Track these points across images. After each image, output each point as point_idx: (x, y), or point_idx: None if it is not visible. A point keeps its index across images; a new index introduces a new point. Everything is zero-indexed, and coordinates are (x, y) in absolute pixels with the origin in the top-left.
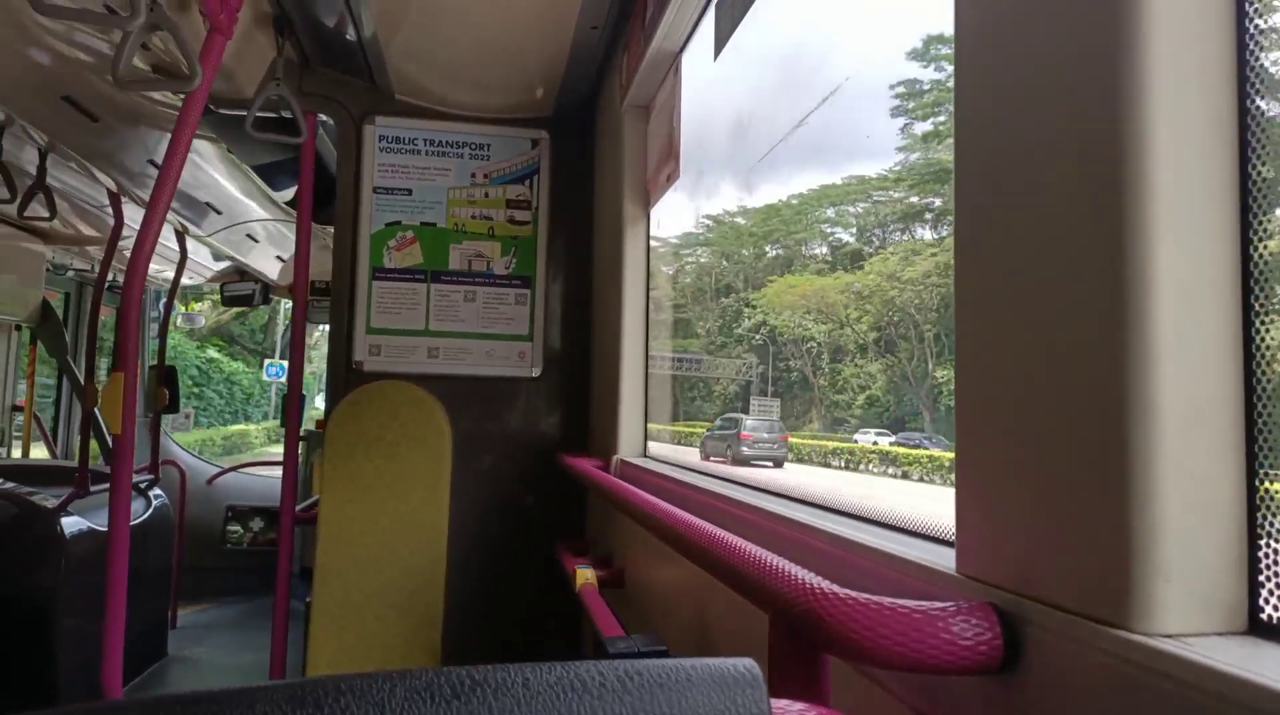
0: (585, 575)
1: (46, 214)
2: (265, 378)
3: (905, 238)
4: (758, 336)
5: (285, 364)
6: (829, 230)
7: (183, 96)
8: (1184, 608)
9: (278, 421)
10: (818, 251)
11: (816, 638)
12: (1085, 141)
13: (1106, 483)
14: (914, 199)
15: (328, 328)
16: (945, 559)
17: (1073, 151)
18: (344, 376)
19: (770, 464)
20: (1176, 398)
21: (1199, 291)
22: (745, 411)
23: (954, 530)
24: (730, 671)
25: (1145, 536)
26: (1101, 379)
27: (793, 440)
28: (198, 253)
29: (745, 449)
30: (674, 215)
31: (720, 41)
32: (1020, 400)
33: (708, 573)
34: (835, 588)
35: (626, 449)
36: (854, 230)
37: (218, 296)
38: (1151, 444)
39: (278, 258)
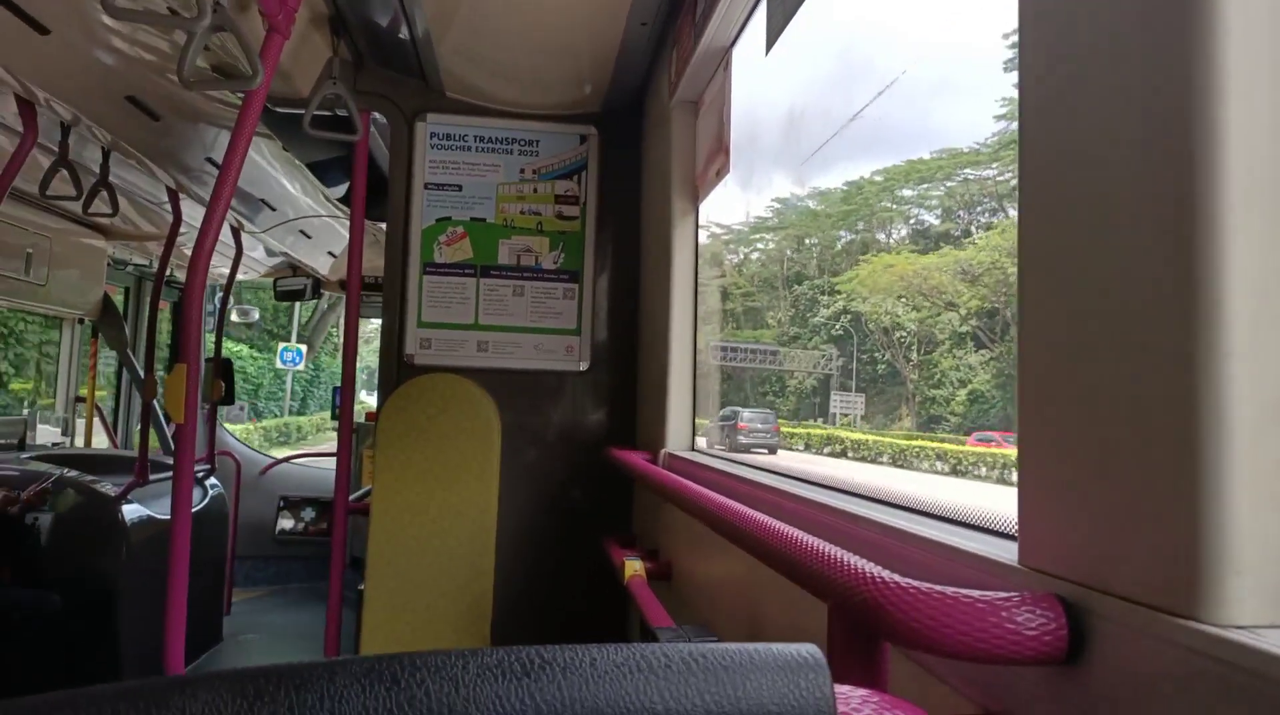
0: (634, 567)
1: (109, 211)
2: (280, 365)
3: (1001, 218)
4: (838, 325)
5: (303, 348)
6: (913, 211)
7: (241, 96)
8: (1256, 600)
9: (291, 417)
10: (899, 233)
11: (877, 627)
12: (1156, 124)
13: (1178, 475)
14: (1009, 176)
15: (377, 322)
16: (1004, 552)
17: (1143, 134)
18: (395, 369)
19: (765, 451)
20: (1251, 391)
21: (1272, 285)
22: (824, 408)
23: (1011, 523)
24: (794, 656)
25: (1217, 528)
26: (1173, 371)
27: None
28: (253, 249)
29: (742, 438)
30: (738, 200)
31: (772, 36)
32: (1087, 391)
33: (762, 563)
34: (897, 577)
35: (674, 442)
36: (939, 210)
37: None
38: (1225, 437)
39: (329, 253)
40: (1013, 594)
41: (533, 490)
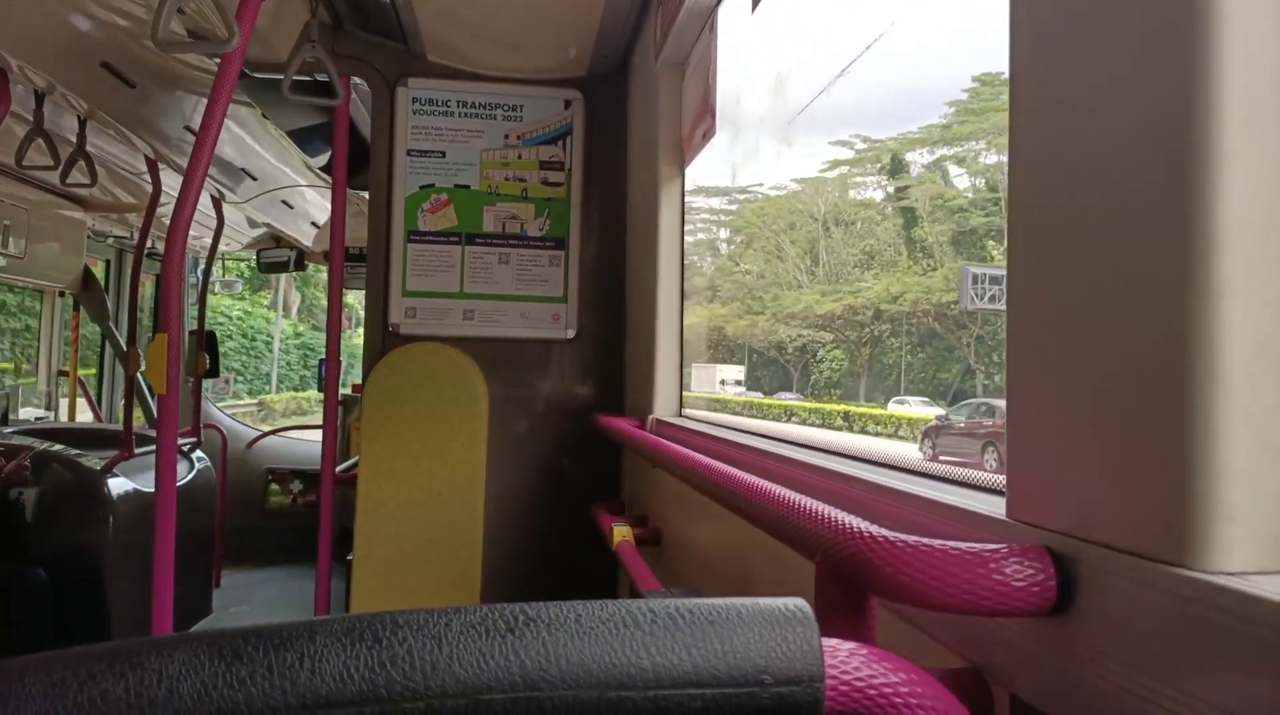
0: (622, 532)
1: (87, 181)
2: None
3: None
4: None
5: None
6: None
7: (218, 60)
8: (1248, 546)
9: (278, 392)
10: None
11: (865, 581)
12: (1147, 50)
13: (1168, 422)
14: None
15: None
16: (992, 507)
17: (1133, 64)
18: (381, 339)
19: None
20: (1244, 333)
21: (1269, 224)
22: None
23: (999, 480)
24: (781, 610)
25: (1208, 475)
26: (1163, 314)
27: None
28: (235, 220)
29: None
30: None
31: None
32: (1075, 341)
33: (750, 523)
34: (884, 531)
35: (663, 408)
36: None
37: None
38: (1217, 380)
39: (312, 224)
40: (1000, 546)
41: (521, 458)
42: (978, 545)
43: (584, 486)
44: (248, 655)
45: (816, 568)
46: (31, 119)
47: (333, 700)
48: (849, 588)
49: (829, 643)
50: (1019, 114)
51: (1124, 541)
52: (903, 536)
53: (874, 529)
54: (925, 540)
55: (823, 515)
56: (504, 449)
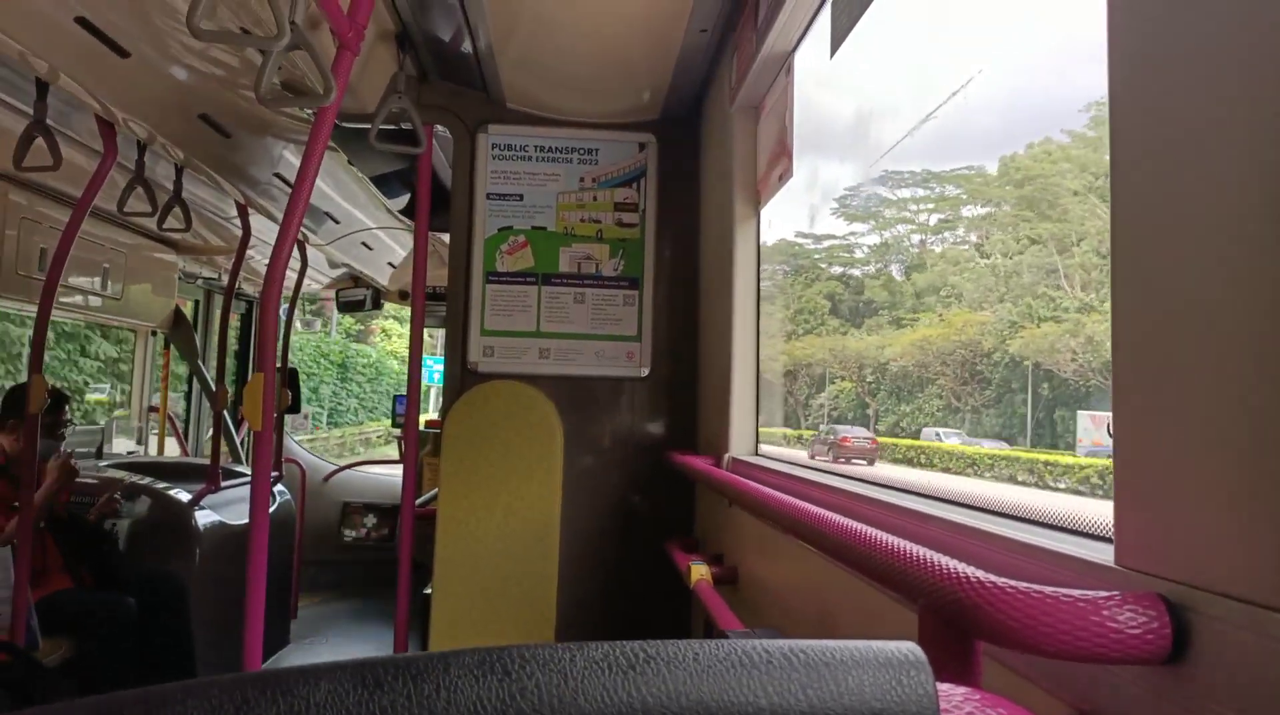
0: (700, 571)
1: (181, 226)
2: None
3: None
4: None
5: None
6: None
7: (312, 112)
8: None
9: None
10: None
11: (973, 626)
12: (1259, 140)
13: None
14: None
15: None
16: (1098, 553)
17: (1247, 131)
18: (460, 377)
19: None
20: None
21: None
22: None
23: (1106, 524)
24: (895, 654)
25: None
26: (1275, 360)
27: None
28: (316, 260)
29: None
30: None
31: (837, 39)
32: (1185, 387)
33: (833, 565)
34: (993, 577)
35: (738, 446)
36: None
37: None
38: None
39: (389, 264)
40: (1114, 592)
41: (595, 494)
42: (1089, 592)
43: (656, 523)
44: (388, 685)
45: (920, 612)
46: (133, 168)
47: None
48: (954, 633)
49: (942, 687)
50: (1120, 144)
51: (1240, 589)
52: (1012, 583)
53: (982, 574)
54: (1035, 586)
55: (926, 560)
56: (578, 485)
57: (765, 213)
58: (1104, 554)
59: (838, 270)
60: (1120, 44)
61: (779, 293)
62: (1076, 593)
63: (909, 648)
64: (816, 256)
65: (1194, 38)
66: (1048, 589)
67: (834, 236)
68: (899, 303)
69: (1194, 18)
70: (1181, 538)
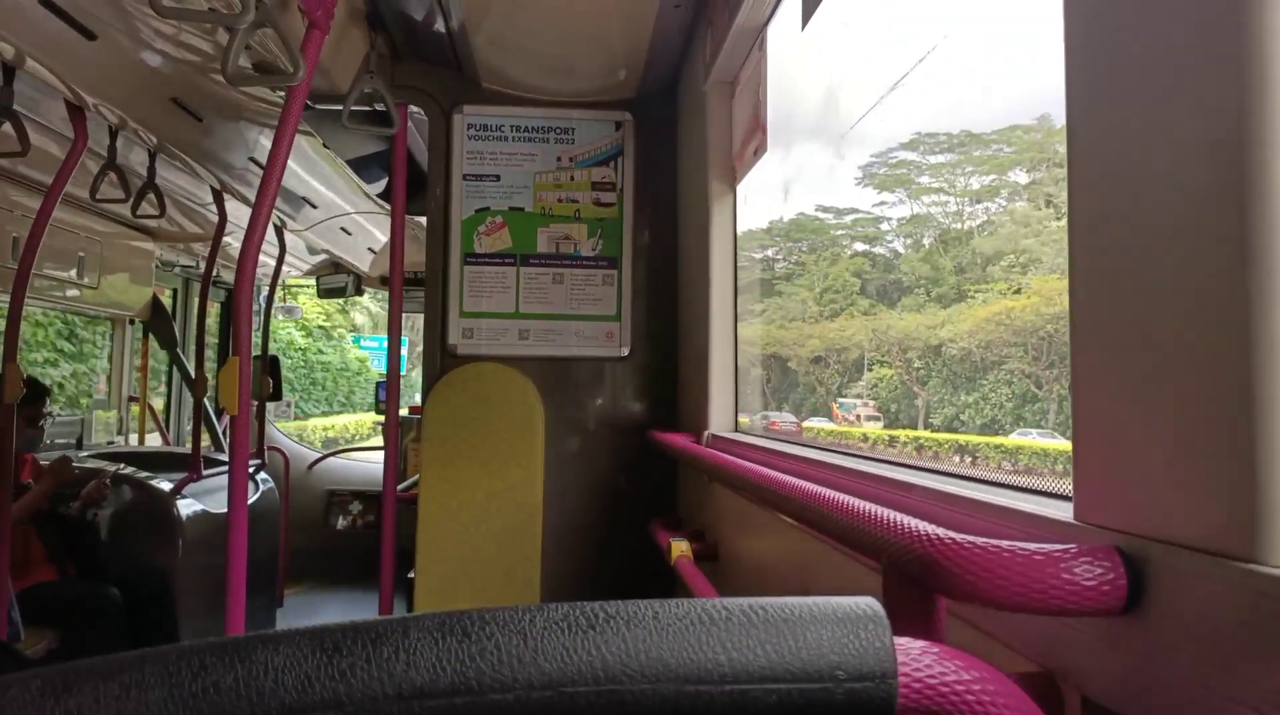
0: (680, 548)
1: (156, 212)
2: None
3: None
4: None
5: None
6: None
7: (282, 93)
8: None
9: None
10: None
11: (934, 582)
12: (1208, 40)
13: (1237, 418)
14: None
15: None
16: (1059, 511)
17: (1197, 63)
18: (439, 360)
19: None
20: None
21: None
22: None
23: (1065, 486)
24: (852, 608)
25: (1277, 470)
26: (1228, 312)
27: None
28: (295, 246)
29: None
30: None
31: (808, 11)
32: (1140, 344)
33: (811, 537)
34: (952, 533)
35: (718, 424)
36: None
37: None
38: None
39: (369, 250)
40: (1070, 546)
41: (577, 475)
42: (1046, 545)
43: (639, 502)
44: (347, 649)
45: (883, 571)
46: (105, 154)
47: (427, 691)
48: (917, 590)
49: (900, 641)
50: (1076, 129)
51: (1194, 539)
52: (971, 538)
53: (942, 531)
54: (994, 541)
55: (889, 520)
56: (560, 466)
57: (775, 185)
58: (1065, 512)
59: (862, 247)
60: (1076, 44)
61: (800, 271)
62: (1033, 546)
63: (867, 602)
64: (838, 231)
65: (1146, 37)
66: (1004, 543)
67: (857, 210)
68: (941, 278)
69: (1146, 17)
70: (1136, 492)
